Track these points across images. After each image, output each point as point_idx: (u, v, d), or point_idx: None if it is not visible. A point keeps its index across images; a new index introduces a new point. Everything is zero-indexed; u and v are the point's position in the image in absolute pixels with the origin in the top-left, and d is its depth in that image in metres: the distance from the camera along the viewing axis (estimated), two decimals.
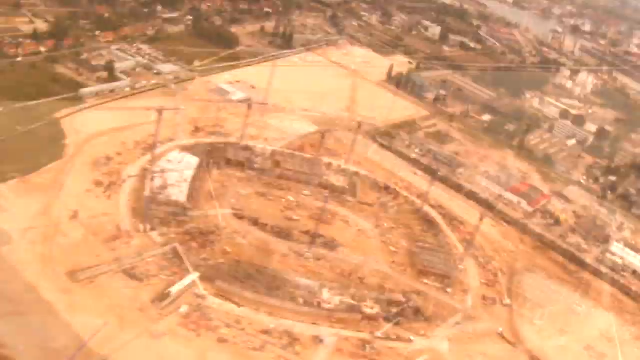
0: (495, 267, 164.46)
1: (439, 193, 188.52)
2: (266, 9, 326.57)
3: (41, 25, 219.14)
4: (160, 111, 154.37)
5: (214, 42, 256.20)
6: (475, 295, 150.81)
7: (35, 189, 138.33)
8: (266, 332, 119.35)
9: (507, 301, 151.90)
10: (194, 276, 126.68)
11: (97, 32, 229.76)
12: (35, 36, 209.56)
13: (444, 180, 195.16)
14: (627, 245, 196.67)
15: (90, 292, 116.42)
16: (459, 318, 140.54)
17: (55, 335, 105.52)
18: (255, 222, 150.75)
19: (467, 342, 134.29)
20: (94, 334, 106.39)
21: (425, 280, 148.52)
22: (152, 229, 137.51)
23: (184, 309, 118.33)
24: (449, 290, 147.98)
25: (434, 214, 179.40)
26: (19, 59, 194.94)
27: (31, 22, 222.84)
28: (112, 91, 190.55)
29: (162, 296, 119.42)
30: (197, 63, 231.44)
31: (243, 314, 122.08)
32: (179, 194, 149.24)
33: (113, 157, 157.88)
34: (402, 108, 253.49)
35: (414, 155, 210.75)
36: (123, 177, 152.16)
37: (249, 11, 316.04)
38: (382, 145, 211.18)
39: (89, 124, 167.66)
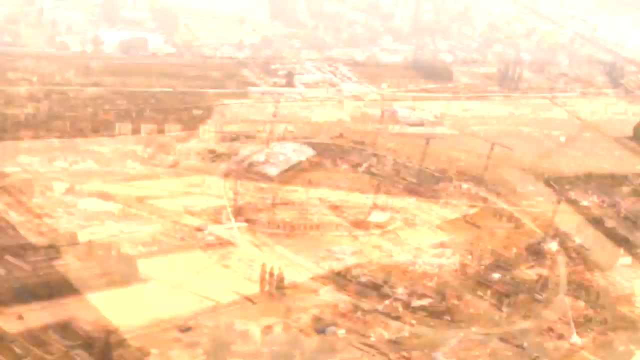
0: None
1: None
2: None
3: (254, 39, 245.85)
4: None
5: (428, 76, 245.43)
6: None
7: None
8: None
9: None
10: None
11: (303, 51, 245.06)
12: (240, 45, 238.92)
13: None
14: None
15: None
16: None
17: None
18: None
19: None
20: None
21: None
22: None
23: None
24: None
25: None
26: None
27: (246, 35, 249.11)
28: (280, 94, 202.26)
29: None
30: (384, 86, 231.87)
31: None
32: (272, 169, 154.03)
33: (240, 139, 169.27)
34: None
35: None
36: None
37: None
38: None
39: (239, 114, 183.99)
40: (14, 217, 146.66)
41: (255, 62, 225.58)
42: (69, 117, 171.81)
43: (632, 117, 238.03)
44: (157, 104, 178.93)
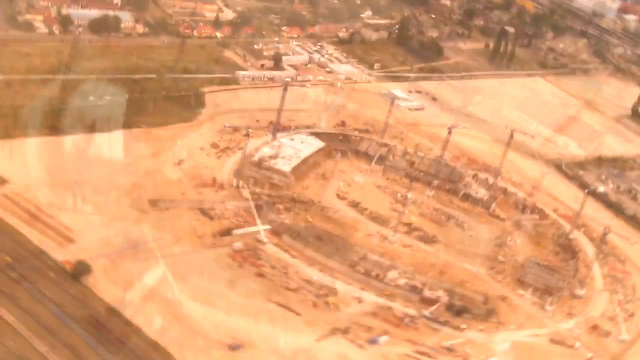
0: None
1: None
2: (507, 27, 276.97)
3: (228, 15, 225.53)
4: (285, 87, 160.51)
5: (416, 53, 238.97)
6: (584, 322, 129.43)
7: (155, 139, 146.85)
8: (308, 281, 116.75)
9: (625, 336, 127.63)
10: (263, 227, 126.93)
11: (284, 28, 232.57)
12: (216, 23, 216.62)
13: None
14: None
15: (160, 216, 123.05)
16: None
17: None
18: (355, 205, 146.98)
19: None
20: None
21: (521, 291, 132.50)
22: (244, 187, 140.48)
23: (237, 245, 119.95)
24: (548, 307, 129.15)
25: (584, 242, 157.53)
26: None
27: (220, 10, 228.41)
28: (271, 79, 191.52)
29: (224, 232, 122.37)
30: (377, 66, 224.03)
31: (293, 263, 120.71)
32: (285, 165, 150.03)
33: (240, 130, 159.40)
34: None
35: (602, 189, 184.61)
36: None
37: (477, 27, 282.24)
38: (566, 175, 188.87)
39: (232, 102, 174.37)
40: None
41: (236, 42, 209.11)
42: None
43: None
44: (143, 93, 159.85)
